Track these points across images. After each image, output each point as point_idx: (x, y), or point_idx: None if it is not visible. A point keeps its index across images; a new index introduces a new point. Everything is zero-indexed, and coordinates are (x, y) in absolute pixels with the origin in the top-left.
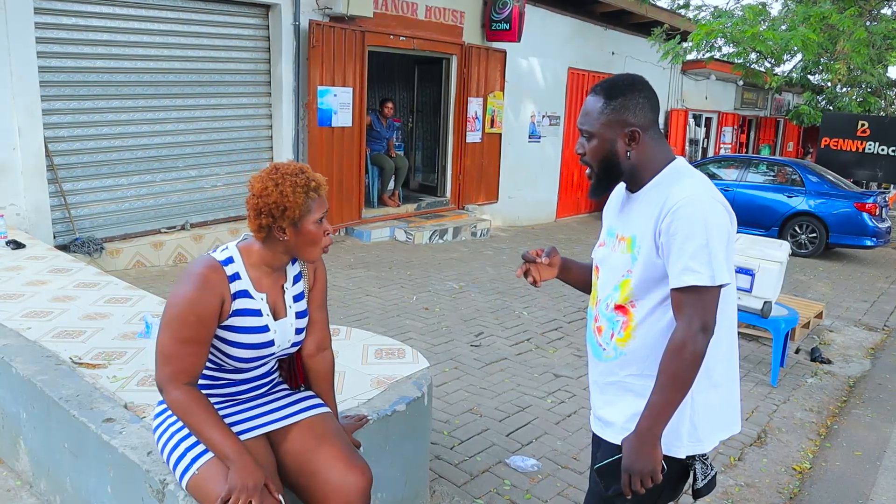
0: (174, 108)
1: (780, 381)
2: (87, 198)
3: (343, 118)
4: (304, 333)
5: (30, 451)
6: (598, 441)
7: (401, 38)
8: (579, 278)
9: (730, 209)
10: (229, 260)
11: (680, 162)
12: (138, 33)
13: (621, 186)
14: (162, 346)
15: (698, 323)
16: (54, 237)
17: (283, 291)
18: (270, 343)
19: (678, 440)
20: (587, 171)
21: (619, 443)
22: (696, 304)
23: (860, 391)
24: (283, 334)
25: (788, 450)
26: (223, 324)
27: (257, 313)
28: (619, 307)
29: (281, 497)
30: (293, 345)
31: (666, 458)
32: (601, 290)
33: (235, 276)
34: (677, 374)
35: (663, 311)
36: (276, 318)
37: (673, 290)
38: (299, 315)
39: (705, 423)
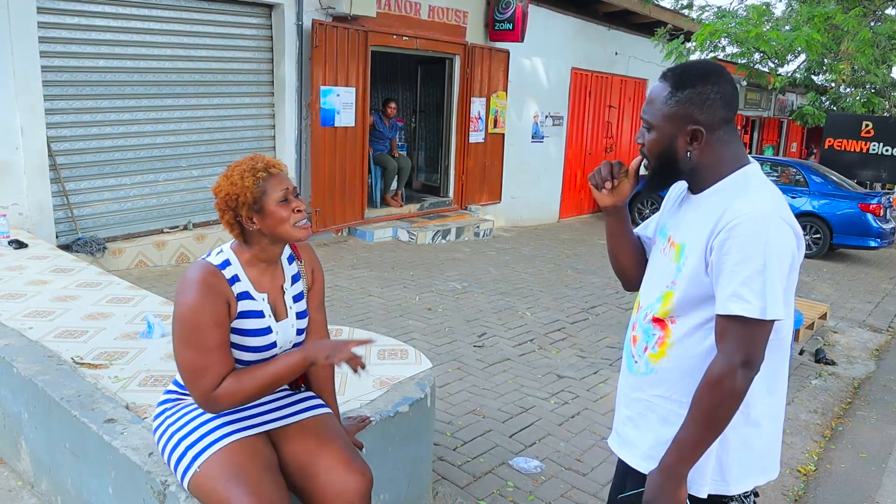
0: (177, 108)
1: None
2: (90, 197)
3: (346, 118)
4: (304, 334)
5: (31, 451)
6: (626, 467)
7: (404, 37)
8: (625, 239)
9: (799, 231)
10: (226, 263)
11: (752, 168)
12: (141, 33)
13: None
14: (189, 363)
15: (740, 357)
16: (57, 237)
17: (283, 292)
18: (273, 345)
19: (701, 477)
20: (644, 160)
21: (646, 472)
22: (741, 336)
23: (865, 393)
24: (285, 335)
25: (793, 451)
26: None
27: (259, 314)
28: (658, 320)
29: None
30: (294, 346)
31: (690, 497)
32: (644, 297)
33: (235, 279)
34: (711, 410)
35: (705, 334)
36: (277, 320)
37: (718, 315)
38: (300, 316)
39: (735, 463)
